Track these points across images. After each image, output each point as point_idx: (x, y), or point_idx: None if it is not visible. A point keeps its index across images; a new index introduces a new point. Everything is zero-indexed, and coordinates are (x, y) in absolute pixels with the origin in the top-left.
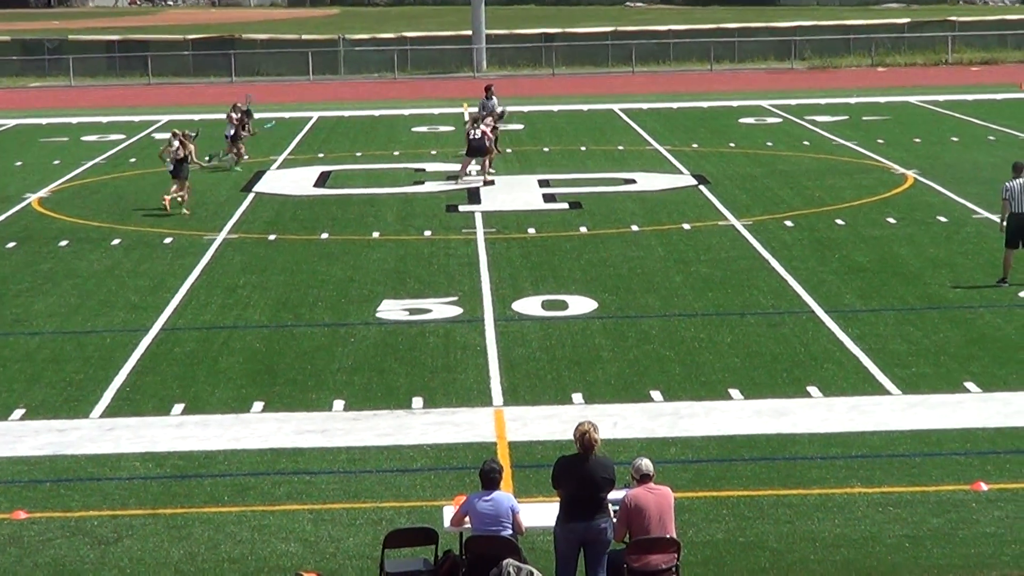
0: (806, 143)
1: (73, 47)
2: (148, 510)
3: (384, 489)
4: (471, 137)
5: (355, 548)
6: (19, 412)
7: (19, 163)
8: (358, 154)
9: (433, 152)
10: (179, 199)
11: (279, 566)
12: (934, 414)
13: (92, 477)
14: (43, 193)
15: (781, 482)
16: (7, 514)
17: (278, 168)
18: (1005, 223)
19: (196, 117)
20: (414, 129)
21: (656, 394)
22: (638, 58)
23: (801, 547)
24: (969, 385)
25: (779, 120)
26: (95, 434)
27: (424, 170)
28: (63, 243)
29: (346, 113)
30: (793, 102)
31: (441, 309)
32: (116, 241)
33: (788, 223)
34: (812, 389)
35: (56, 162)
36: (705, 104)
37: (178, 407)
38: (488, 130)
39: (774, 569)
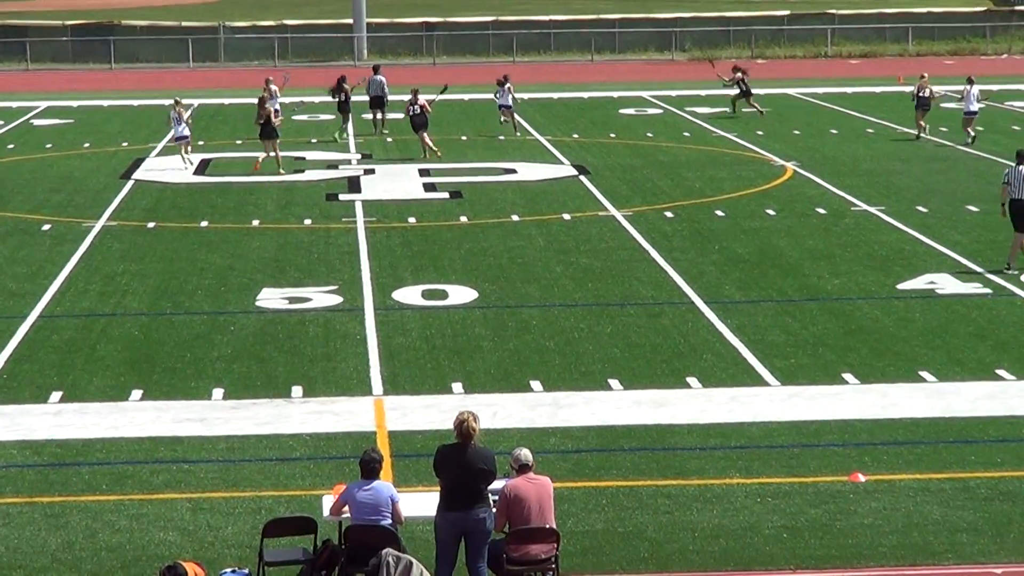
0: (686, 134)
1: None
2: (25, 498)
3: (263, 478)
4: (411, 113)
5: (234, 537)
6: None
7: None
8: (238, 142)
9: (313, 140)
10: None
11: (157, 555)
12: (812, 405)
13: None
14: None
15: (660, 472)
16: None
17: (157, 155)
18: (1006, 207)
19: (75, 104)
20: (295, 118)
21: (536, 384)
22: (519, 48)
23: (680, 537)
24: (847, 376)
25: (660, 111)
26: None
27: (304, 159)
28: None
29: (226, 101)
30: (674, 93)
31: (321, 298)
32: None
33: (668, 214)
34: (691, 380)
35: None
36: (586, 95)
37: (56, 395)
38: (427, 105)
39: (653, 559)
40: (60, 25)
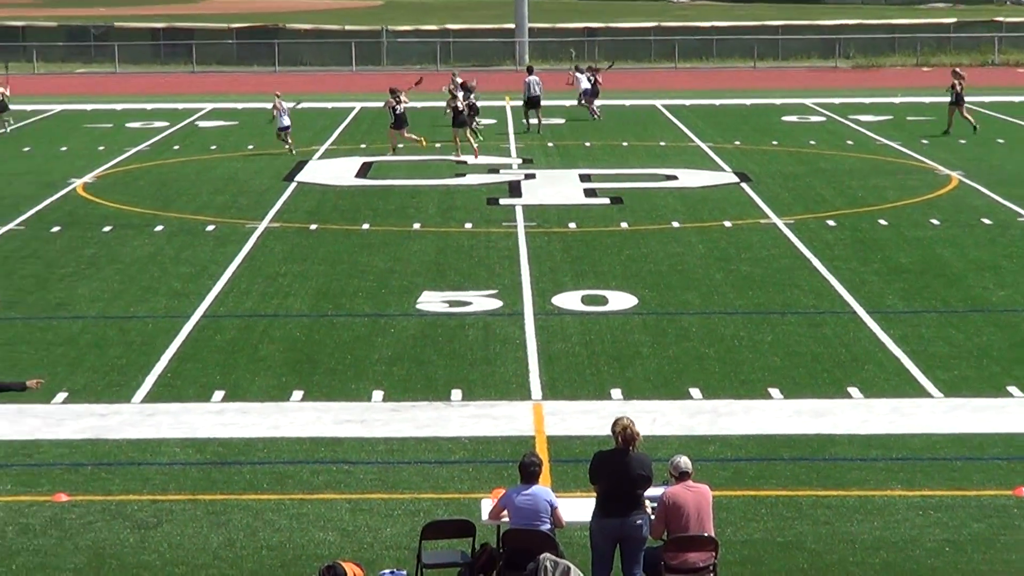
0: (850, 142)
1: (119, 34)
2: (188, 495)
3: (422, 480)
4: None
5: (392, 538)
6: (61, 396)
7: (64, 148)
8: (400, 145)
9: (475, 144)
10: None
11: (316, 554)
12: (976, 418)
13: (133, 462)
14: (88, 179)
15: (820, 483)
16: (48, 496)
17: (320, 158)
18: None
19: (239, 106)
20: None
21: (695, 391)
22: (681, 54)
23: (840, 548)
24: (1012, 389)
25: (823, 119)
26: (136, 419)
27: (466, 163)
28: (107, 228)
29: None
30: (837, 101)
31: (481, 302)
32: (159, 228)
33: (830, 222)
34: (853, 390)
35: (100, 148)
36: (748, 101)
37: (218, 394)
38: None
39: (812, 570)
40: (226, 28)
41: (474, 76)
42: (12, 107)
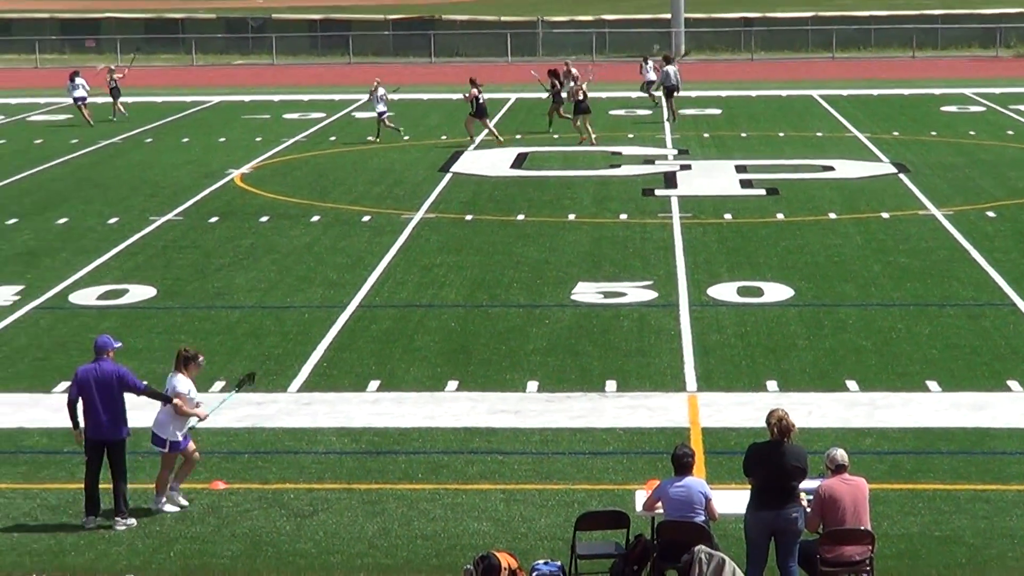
0: (1010, 132)
1: (276, 26)
2: (343, 484)
3: (576, 471)
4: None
5: (547, 529)
6: (219, 384)
7: (222, 139)
8: (555, 136)
9: (630, 136)
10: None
11: (471, 544)
12: None
13: (289, 450)
14: (245, 169)
15: (979, 477)
16: (206, 484)
17: (475, 149)
18: None
19: (395, 97)
20: (611, 112)
21: (852, 384)
22: (838, 43)
23: (999, 543)
24: None
25: (982, 109)
26: (293, 408)
27: (620, 153)
28: (264, 219)
29: (544, 95)
30: (997, 91)
31: (636, 293)
32: (315, 218)
33: (990, 214)
34: (1012, 383)
35: (258, 139)
36: (906, 91)
37: (374, 383)
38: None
39: (970, 565)
40: (382, 19)
41: (588, 66)
42: (169, 99)
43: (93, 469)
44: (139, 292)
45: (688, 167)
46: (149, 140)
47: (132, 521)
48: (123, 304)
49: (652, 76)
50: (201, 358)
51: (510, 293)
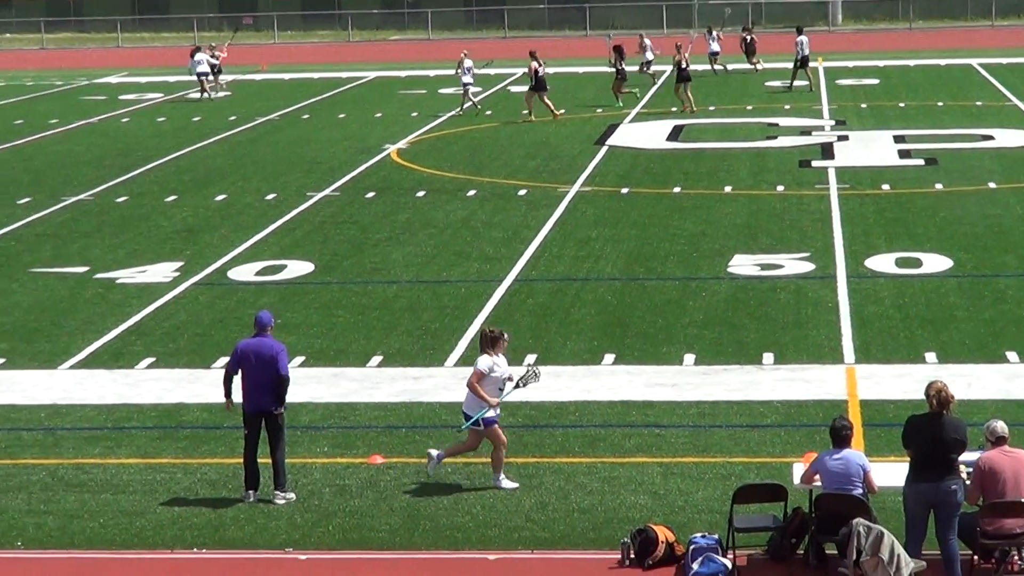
0: None
1: (432, 1)
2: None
3: (734, 444)
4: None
5: (704, 502)
6: (376, 359)
7: (379, 114)
8: (711, 108)
9: (787, 107)
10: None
11: (628, 518)
12: None
13: (446, 425)
14: (401, 144)
15: None
16: (365, 458)
17: (631, 122)
18: None
19: (551, 70)
20: (767, 84)
21: (1012, 355)
22: (998, 11)
23: None
24: None
25: None
26: (450, 382)
27: (777, 125)
28: (420, 194)
29: (699, 67)
30: None
31: (793, 265)
32: (471, 192)
33: None
34: None
35: (414, 114)
36: None
37: (530, 357)
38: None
39: None
40: None
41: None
42: (325, 75)
43: (252, 443)
44: (297, 267)
45: (845, 138)
46: (306, 116)
47: (291, 495)
48: (281, 280)
49: (717, 47)
50: (506, 336)
51: (666, 266)
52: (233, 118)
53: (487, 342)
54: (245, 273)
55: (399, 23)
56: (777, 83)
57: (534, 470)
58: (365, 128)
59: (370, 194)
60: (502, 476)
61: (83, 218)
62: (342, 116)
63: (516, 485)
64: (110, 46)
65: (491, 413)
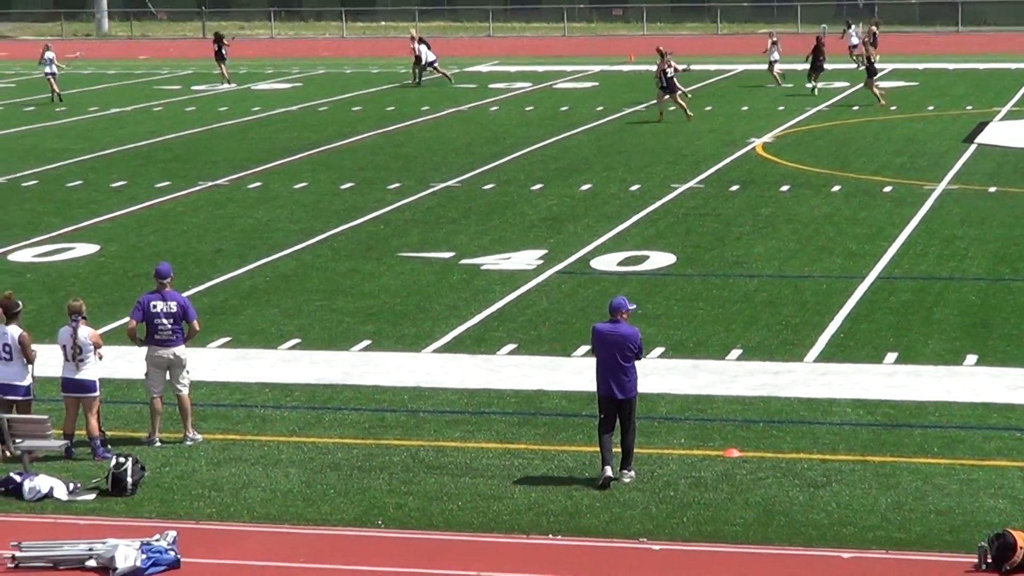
0: None
1: None
2: (857, 456)
3: None
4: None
5: None
6: (736, 352)
7: (745, 108)
8: (671, 109)
9: None
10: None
11: (986, 521)
12: None
13: (804, 420)
14: (767, 138)
15: None
16: (721, 451)
17: (1001, 119)
18: None
19: (920, 66)
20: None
21: None
22: None
23: None
24: None
25: None
26: (808, 378)
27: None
28: (784, 188)
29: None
30: None
31: None
32: (836, 188)
33: None
34: None
35: (780, 108)
36: None
37: (891, 356)
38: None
39: None
40: None
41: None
42: (695, 67)
43: (606, 426)
44: (659, 259)
45: None
46: (672, 108)
47: (632, 473)
48: (643, 270)
49: (855, 40)
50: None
51: None
52: (600, 108)
53: None
54: (608, 263)
55: (767, 16)
56: None
57: (891, 469)
58: (731, 121)
59: (734, 187)
60: None
61: (450, 204)
62: (709, 108)
63: None
64: (481, 35)
65: None
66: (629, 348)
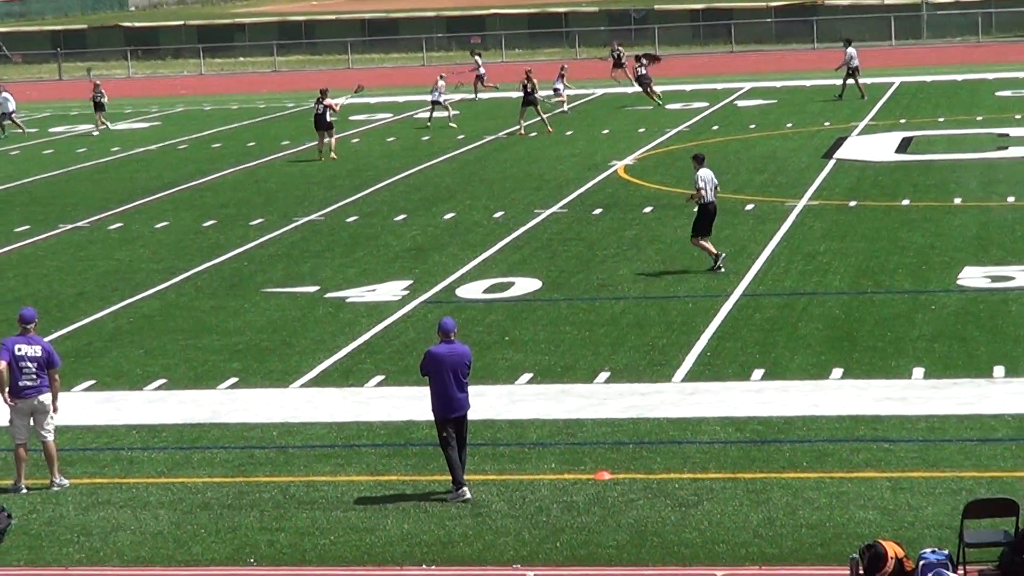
0: None
1: (658, 16)
2: (727, 474)
3: (964, 458)
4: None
5: (933, 517)
6: (604, 375)
7: (605, 131)
8: (940, 119)
9: (1017, 117)
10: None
11: (856, 533)
12: None
13: (673, 440)
14: (628, 160)
15: None
16: (592, 475)
17: (859, 135)
18: None
19: (778, 84)
20: (998, 94)
21: None
22: None
23: None
24: None
25: None
26: (676, 398)
27: (1008, 135)
28: (647, 209)
29: (928, 78)
30: None
31: None
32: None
33: None
34: None
35: (641, 130)
36: None
37: (758, 372)
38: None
39: None
40: (764, 7)
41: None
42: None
43: (452, 443)
44: (525, 284)
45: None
46: (533, 134)
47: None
48: (509, 297)
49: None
50: None
51: (895, 279)
52: (461, 137)
53: None
54: (473, 291)
55: (626, 39)
56: (1008, 92)
57: (762, 485)
58: (592, 145)
59: (597, 211)
60: None
61: (314, 238)
62: (569, 133)
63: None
64: (340, 68)
65: None
66: (466, 366)
